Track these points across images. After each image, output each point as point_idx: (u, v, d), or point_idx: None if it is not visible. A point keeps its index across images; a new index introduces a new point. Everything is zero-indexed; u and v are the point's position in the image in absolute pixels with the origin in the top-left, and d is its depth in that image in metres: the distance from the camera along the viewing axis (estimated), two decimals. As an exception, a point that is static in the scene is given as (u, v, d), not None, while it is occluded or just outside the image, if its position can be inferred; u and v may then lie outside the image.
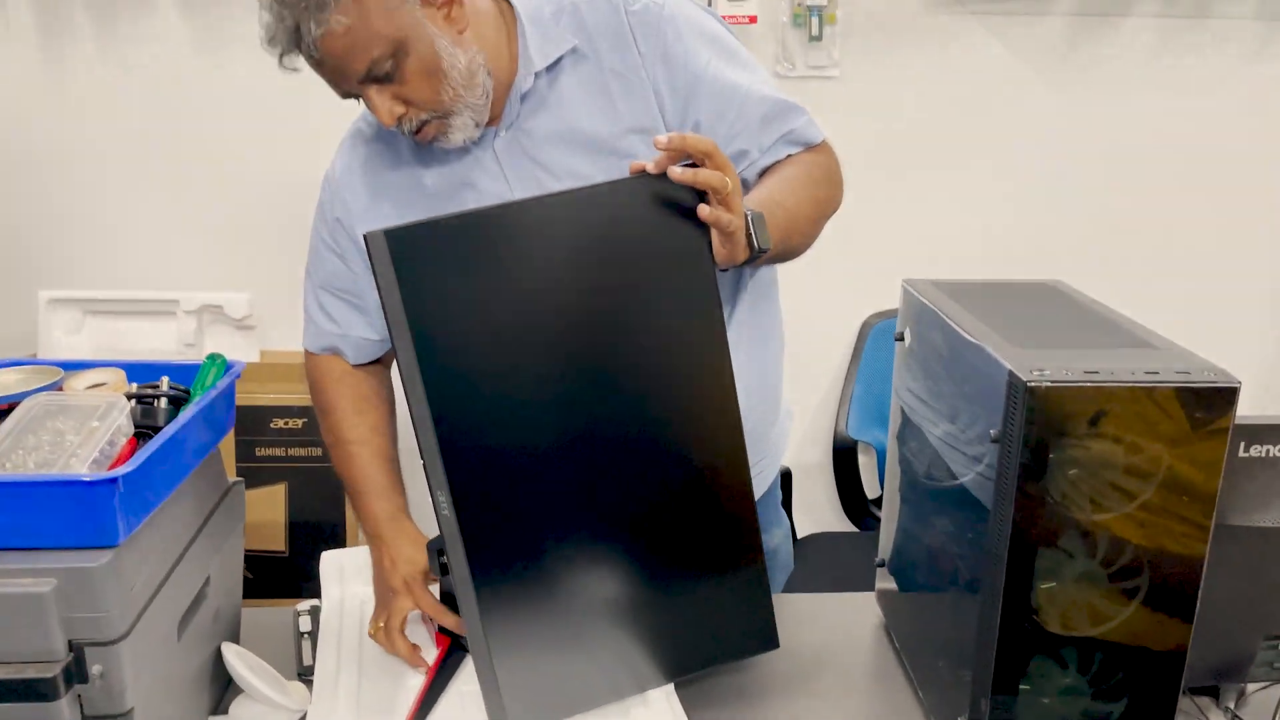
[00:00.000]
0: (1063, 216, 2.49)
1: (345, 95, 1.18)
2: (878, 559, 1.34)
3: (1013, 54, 2.36)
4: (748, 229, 1.07)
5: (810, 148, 1.30)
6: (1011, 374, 0.90)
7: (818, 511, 2.52)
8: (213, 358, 1.03)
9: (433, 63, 1.15)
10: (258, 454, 2.20)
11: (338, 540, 2.19)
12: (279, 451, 2.20)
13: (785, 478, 2.27)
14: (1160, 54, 2.39)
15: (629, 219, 1.01)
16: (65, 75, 2.27)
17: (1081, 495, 0.93)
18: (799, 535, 2.30)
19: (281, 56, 1.14)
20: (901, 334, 1.24)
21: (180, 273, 2.25)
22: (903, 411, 1.24)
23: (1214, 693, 1.18)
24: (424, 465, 0.98)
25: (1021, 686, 0.98)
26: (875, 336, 2.43)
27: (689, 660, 1.12)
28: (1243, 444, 0.99)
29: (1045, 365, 0.91)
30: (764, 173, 1.28)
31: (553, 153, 1.24)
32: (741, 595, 1.12)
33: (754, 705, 1.14)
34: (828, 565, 2.09)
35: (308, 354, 1.39)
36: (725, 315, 1.35)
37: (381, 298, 0.94)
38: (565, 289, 1.00)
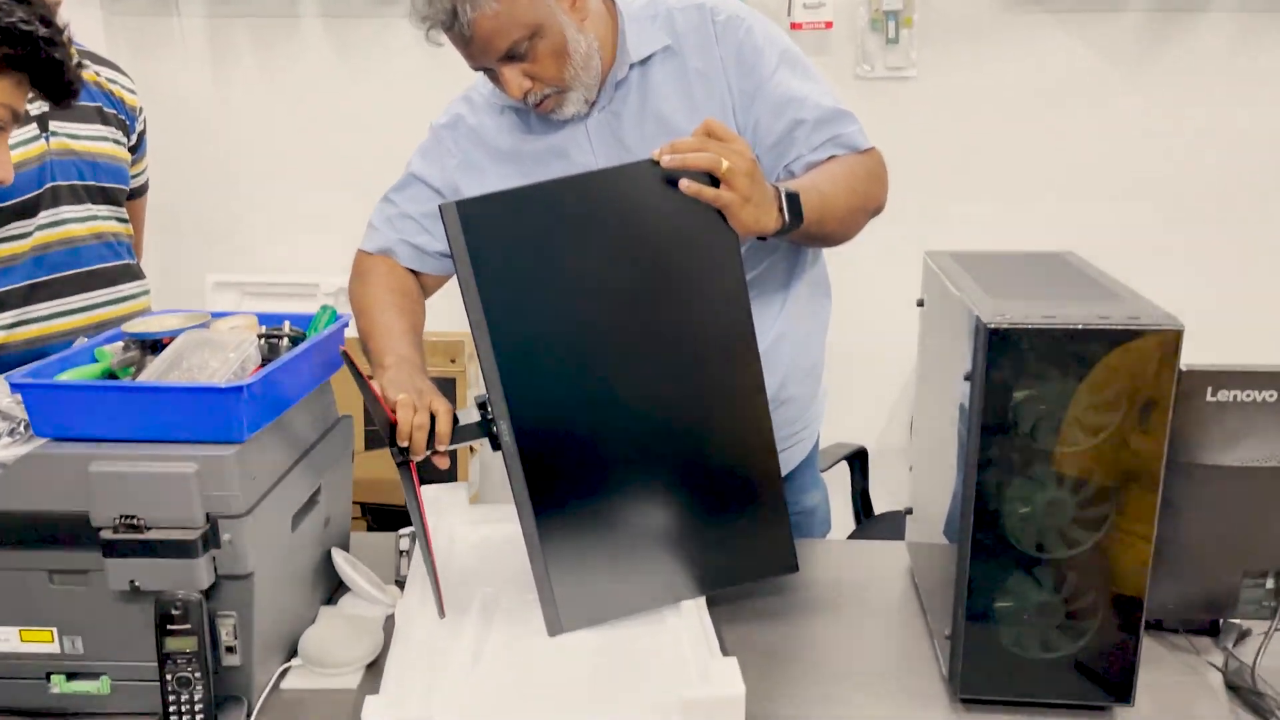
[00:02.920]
0: (1140, 210, 2.51)
1: (477, 68, 1.38)
2: (905, 508, 1.47)
3: (1089, 50, 2.40)
4: (780, 202, 1.24)
5: (857, 151, 1.44)
6: (978, 319, 1.03)
7: (900, 492, 2.61)
8: (324, 308, 1.27)
9: (560, 46, 1.35)
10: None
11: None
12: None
13: (862, 458, 2.39)
14: (1239, 48, 2.39)
15: (664, 193, 1.17)
16: (229, 90, 2.64)
17: (1047, 430, 1.04)
18: (876, 512, 2.40)
19: (429, 31, 1.33)
20: (921, 300, 1.37)
21: (321, 259, 2.56)
22: (922, 368, 1.37)
23: (1214, 632, 1.26)
24: (489, 400, 1.19)
25: (999, 603, 1.10)
26: (957, 325, 2.53)
27: (718, 577, 1.27)
28: (1209, 389, 1.09)
29: (1009, 312, 1.04)
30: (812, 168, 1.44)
31: (637, 135, 1.43)
32: (764, 523, 1.26)
33: (776, 624, 1.30)
34: (899, 536, 2.20)
35: (360, 253, 1.51)
36: (781, 300, 1.51)
37: (453, 257, 1.15)
38: (610, 252, 1.17)
